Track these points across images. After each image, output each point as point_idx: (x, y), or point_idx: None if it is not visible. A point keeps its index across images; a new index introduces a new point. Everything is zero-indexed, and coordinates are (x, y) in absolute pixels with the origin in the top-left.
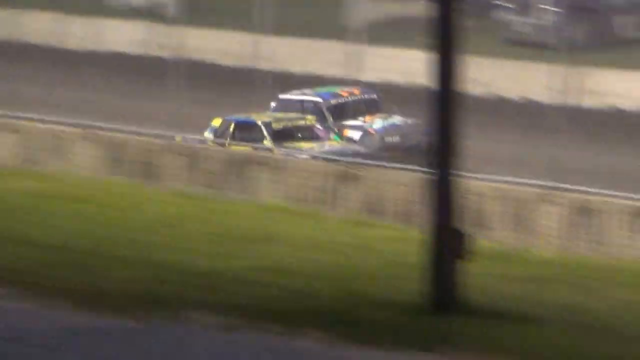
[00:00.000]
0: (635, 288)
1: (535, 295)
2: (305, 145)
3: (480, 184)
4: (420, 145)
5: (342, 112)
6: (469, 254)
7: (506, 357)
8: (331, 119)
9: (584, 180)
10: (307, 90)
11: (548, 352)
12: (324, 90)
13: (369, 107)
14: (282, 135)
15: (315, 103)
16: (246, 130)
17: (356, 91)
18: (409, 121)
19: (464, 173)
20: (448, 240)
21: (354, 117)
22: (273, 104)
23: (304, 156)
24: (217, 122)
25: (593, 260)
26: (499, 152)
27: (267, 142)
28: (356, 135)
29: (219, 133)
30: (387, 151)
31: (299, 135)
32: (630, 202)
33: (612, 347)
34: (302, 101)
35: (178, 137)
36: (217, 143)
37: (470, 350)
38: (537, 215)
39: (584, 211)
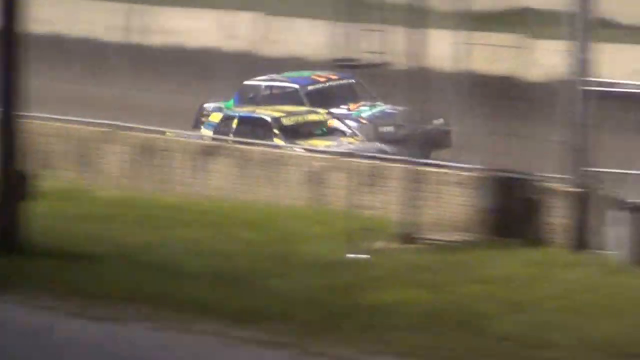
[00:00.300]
0: (198, 225)
1: (99, 234)
2: (320, 143)
3: (44, 124)
4: (415, 135)
5: (321, 99)
6: (32, 195)
7: (69, 295)
8: (310, 106)
9: (150, 119)
10: (274, 75)
11: (109, 289)
12: (294, 74)
13: (348, 93)
14: (294, 132)
15: (291, 89)
16: (252, 127)
17: (333, 75)
18: (400, 108)
19: (27, 114)
20: (10, 182)
21: (335, 104)
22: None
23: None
24: (216, 118)
25: (158, 198)
26: (63, 92)
27: (278, 140)
28: (345, 126)
29: (219, 129)
30: (383, 142)
31: (312, 131)
32: (193, 141)
33: (172, 284)
34: (271, 87)
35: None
36: (218, 140)
37: (32, 289)
38: (103, 154)
39: (149, 150)
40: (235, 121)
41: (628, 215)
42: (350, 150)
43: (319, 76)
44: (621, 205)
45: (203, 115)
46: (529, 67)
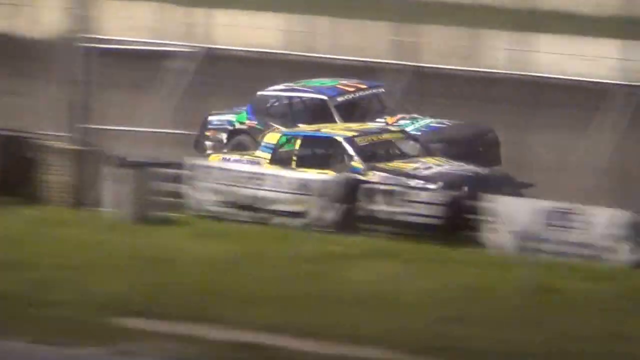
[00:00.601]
0: None
1: None
2: (405, 165)
3: None
4: (469, 152)
5: (352, 111)
6: None
7: None
8: (341, 121)
9: None
10: (292, 85)
11: None
12: (315, 83)
13: (377, 104)
14: (370, 154)
15: (316, 101)
16: (320, 149)
17: (361, 84)
18: (448, 122)
19: None
20: None
21: (368, 117)
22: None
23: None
24: (272, 138)
25: None
26: None
27: (357, 163)
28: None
29: (278, 152)
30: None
31: (389, 152)
32: None
33: None
34: (290, 98)
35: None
36: (276, 163)
37: None
38: None
39: None
40: (299, 142)
41: (129, 173)
42: (445, 173)
43: (346, 85)
44: (121, 162)
45: (208, 130)
46: (29, 24)
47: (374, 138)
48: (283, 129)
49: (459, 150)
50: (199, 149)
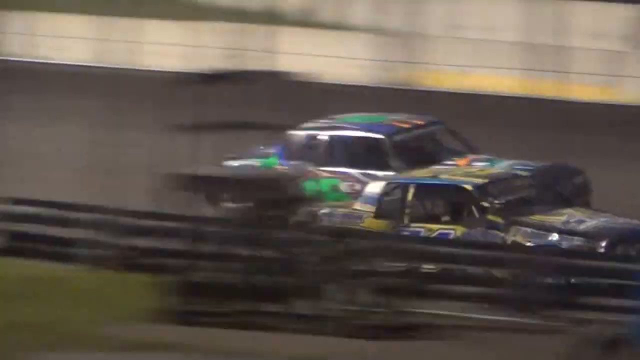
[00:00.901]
0: None
1: None
2: (551, 219)
3: None
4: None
5: (411, 152)
6: None
7: None
8: (398, 164)
9: None
10: (328, 121)
11: None
12: (357, 119)
13: (435, 144)
14: (508, 205)
15: (369, 140)
16: (442, 199)
17: (419, 121)
18: (532, 163)
19: None
20: None
21: (429, 160)
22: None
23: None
24: (375, 187)
25: None
26: None
27: (495, 217)
28: None
29: (385, 203)
30: None
31: (522, 202)
32: None
33: None
34: (331, 137)
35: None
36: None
37: None
38: None
39: None
40: (412, 191)
41: None
42: (609, 228)
43: (400, 122)
44: None
45: None
46: None
47: (508, 186)
48: (325, 174)
49: (549, 195)
50: (215, 202)
